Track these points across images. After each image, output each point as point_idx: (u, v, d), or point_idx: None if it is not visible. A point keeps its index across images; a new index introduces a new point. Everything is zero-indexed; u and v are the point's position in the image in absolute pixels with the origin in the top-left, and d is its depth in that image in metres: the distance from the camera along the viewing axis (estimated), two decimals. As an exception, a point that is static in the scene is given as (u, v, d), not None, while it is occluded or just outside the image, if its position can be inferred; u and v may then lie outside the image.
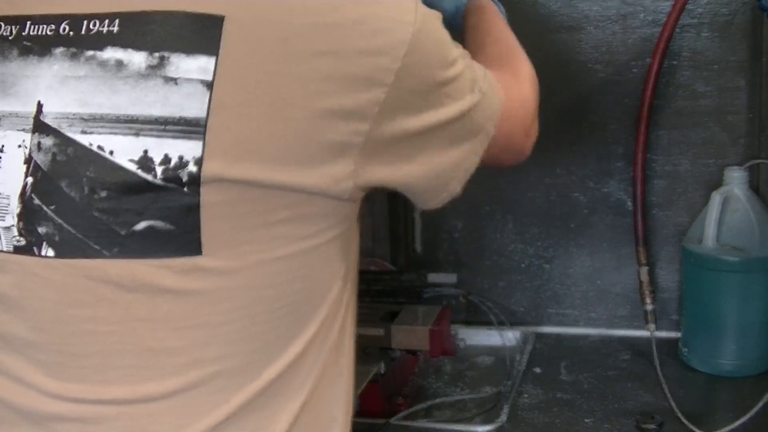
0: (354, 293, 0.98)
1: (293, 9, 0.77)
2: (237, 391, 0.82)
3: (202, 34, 0.76)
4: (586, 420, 1.45)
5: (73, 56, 0.78)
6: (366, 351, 1.47)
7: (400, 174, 0.87)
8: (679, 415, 1.42)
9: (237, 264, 0.78)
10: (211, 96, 0.75)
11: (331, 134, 0.78)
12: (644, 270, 1.62)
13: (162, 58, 0.76)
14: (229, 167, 0.75)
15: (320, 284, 0.86)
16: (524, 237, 1.80)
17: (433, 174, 0.90)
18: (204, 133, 0.75)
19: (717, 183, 1.60)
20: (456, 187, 0.93)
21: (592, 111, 1.72)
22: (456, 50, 0.88)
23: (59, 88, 0.78)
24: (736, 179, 1.56)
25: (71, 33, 0.79)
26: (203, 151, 0.75)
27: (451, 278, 1.70)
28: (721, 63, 1.64)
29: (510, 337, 1.70)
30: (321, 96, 0.77)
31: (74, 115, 0.77)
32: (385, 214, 1.73)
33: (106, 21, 0.78)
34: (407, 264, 1.77)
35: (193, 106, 0.75)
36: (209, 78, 0.75)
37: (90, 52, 0.78)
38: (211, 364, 0.81)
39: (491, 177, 1.79)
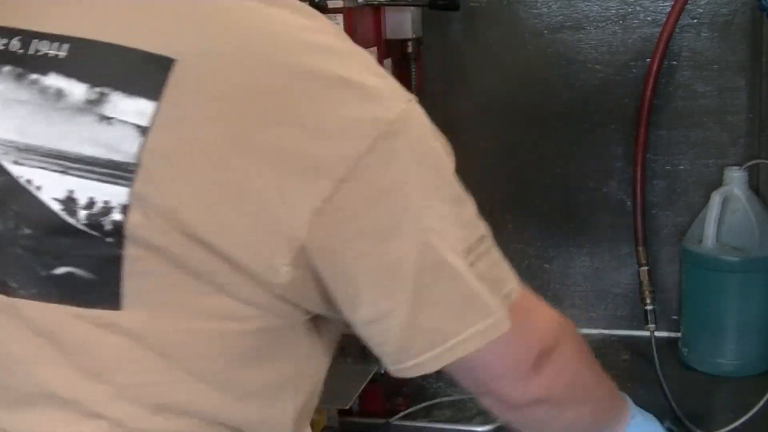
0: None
1: (261, 68, 0.71)
2: None
3: (147, 75, 0.70)
4: (586, 420, 1.44)
5: (19, 77, 0.73)
6: (365, 350, 1.47)
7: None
8: (679, 415, 1.42)
9: (153, 327, 0.73)
10: (144, 143, 0.69)
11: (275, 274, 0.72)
12: (644, 270, 1.62)
13: (101, 94, 0.71)
14: (155, 229, 0.70)
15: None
16: (524, 237, 1.80)
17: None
18: (132, 180, 0.70)
19: (717, 183, 1.60)
20: (430, 362, 0.85)
21: (592, 111, 1.72)
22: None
23: (2, 110, 0.73)
24: (736, 179, 1.56)
25: (20, 51, 0.73)
26: (130, 200, 0.70)
27: (451, 278, 1.70)
28: (721, 63, 1.64)
29: (510, 337, 1.69)
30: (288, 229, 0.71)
31: (11, 142, 0.72)
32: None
33: (56, 44, 0.73)
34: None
35: (123, 150, 0.70)
36: (145, 123, 0.69)
37: (34, 76, 0.73)
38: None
39: (491, 177, 1.79)
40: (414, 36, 1.58)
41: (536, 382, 0.84)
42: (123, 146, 0.70)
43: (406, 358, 0.81)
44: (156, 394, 0.75)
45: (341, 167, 0.70)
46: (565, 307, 1.80)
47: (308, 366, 0.86)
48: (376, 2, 1.49)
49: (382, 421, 1.42)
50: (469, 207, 0.81)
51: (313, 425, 1.36)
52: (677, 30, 1.60)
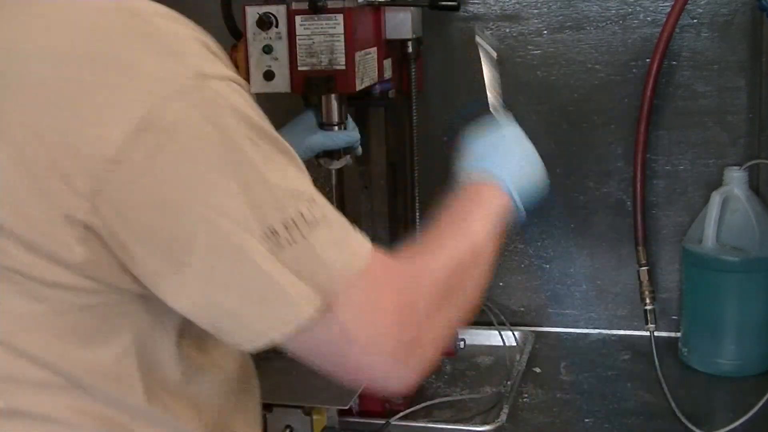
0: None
1: (35, 58, 0.75)
2: None
3: None
4: (586, 420, 1.45)
5: None
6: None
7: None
8: (679, 415, 1.42)
9: None
10: None
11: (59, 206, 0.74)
12: (644, 270, 1.62)
13: None
14: None
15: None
16: (524, 237, 1.80)
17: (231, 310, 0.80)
18: None
19: (717, 183, 1.60)
20: (256, 338, 0.81)
21: (592, 111, 1.72)
22: None
23: None
24: (736, 179, 1.56)
25: None
26: None
27: (451, 278, 1.70)
28: (721, 63, 1.64)
29: (510, 337, 1.69)
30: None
31: None
32: (385, 214, 1.73)
33: None
34: (407, 264, 1.77)
35: None
36: None
37: None
38: None
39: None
40: (414, 36, 1.58)
41: (410, 366, 0.85)
42: None
43: (223, 337, 0.80)
44: None
45: (114, 146, 0.72)
46: (565, 307, 1.80)
47: (155, 342, 0.85)
48: (376, 2, 1.49)
49: (382, 421, 1.42)
50: (273, 188, 0.77)
51: (313, 425, 1.37)
52: (677, 30, 1.60)
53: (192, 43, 0.78)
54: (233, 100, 0.77)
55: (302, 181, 0.82)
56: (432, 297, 0.89)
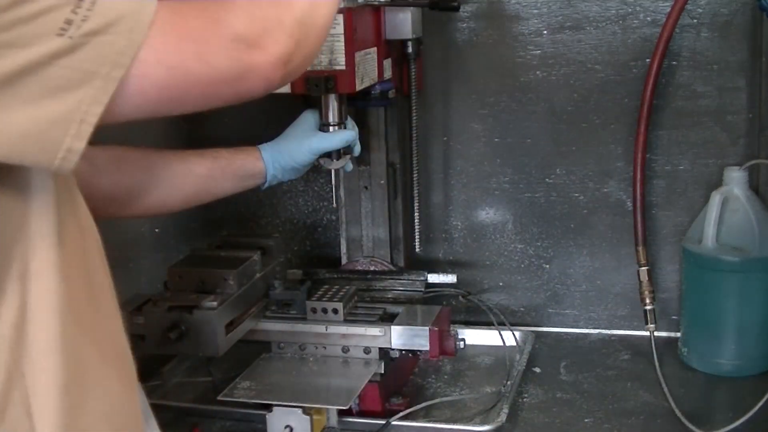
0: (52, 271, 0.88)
1: None
2: None
3: None
4: (586, 420, 1.45)
5: None
6: (365, 351, 1.47)
7: None
8: (679, 414, 1.42)
9: None
10: None
11: None
12: (644, 270, 1.62)
13: None
14: None
15: None
16: (524, 237, 1.80)
17: (17, 134, 0.79)
18: None
19: (717, 183, 1.60)
20: (75, 144, 0.80)
21: (592, 111, 1.72)
22: None
23: None
24: (735, 179, 1.56)
25: None
26: None
27: (451, 278, 1.70)
28: (721, 63, 1.64)
29: (510, 337, 1.69)
30: None
31: None
32: (385, 214, 1.74)
33: None
34: (407, 264, 1.78)
35: None
36: None
37: None
38: None
39: (491, 177, 1.79)
40: (414, 36, 1.58)
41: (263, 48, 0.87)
42: None
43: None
44: None
45: None
46: (565, 307, 1.80)
47: None
48: (376, 2, 1.49)
49: (382, 421, 1.42)
50: None
51: (313, 425, 1.37)
52: (677, 30, 1.60)
53: None
54: None
55: None
56: None
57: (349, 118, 1.49)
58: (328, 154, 1.45)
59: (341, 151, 1.46)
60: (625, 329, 1.76)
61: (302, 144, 1.42)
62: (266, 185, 1.45)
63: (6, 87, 0.77)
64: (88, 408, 0.90)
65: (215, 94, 0.88)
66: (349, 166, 1.52)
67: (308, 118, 1.45)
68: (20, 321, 0.86)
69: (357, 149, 1.50)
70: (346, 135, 1.45)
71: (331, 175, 1.54)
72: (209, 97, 0.88)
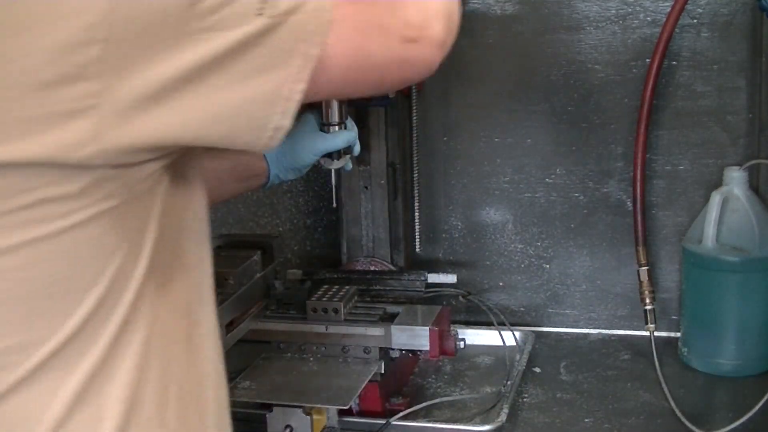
0: (167, 279, 0.91)
1: None
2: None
3: None
4: (586, 420, 1.45)
5: None
6: (365, 351, 1.47)
7: (175, 126, 0.80)
8: (679, 415, 1.42)
9: None
10: None
11: (53, 104, 0.75)
12: (644, 270, 1.62)
13: None
14: None
15: (84, 265, 0.81)
16: (524, 237, 1.80)
17: (229, 115, 0.82)
18: None
19: (717, 183, 1.60)
20: (282, 121, 0.83)
21: (592, 111, 1.72)
22: None
23: None
24: (735, 179, 1.56)
25: None
26: None
27: (451, 278, 1.70)
28: (721, 63, 1.64)
29: (510, 337, 1.69)
30: (29, 71, 0.74)
31: None
32: (385, 214, 1.74)
33: None
34: (407, 264, 1.78)
35: None
36: None
37: None
38: None
39: (491, 177, 1.79)
40: (414, 36, 1.57)
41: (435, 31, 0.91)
42: None
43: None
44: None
45: (99, 30, 0.74)
46: (565, 307, 1.80)
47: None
48: (376, 2, 1.49)
49: (382, 421, 1.42)
50: None
51: (313, 425, 1.37)
52: (677, 30, 1.60)
53: None
54: None
55: None
56: None
57: (348, 118, 1.49)
58: (328, 154, 1.45)
59: (341, 150, 1.46)
60: (625, 329, 1.76)
61: (305, 145, 1.43)
62: (268, 185, 1.45)
63: (216, 68, 0.79)
64: None
65: (387, 77, 0.92)
66: (349, 166, 1.52)
67: (309, 119, 1.45)
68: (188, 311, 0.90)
69: (357, 149, 1.50)
70: (348, 135, 1.45)
71: (331, 175, 1.54)
72: (382, 80, 0.92)
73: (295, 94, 0.82)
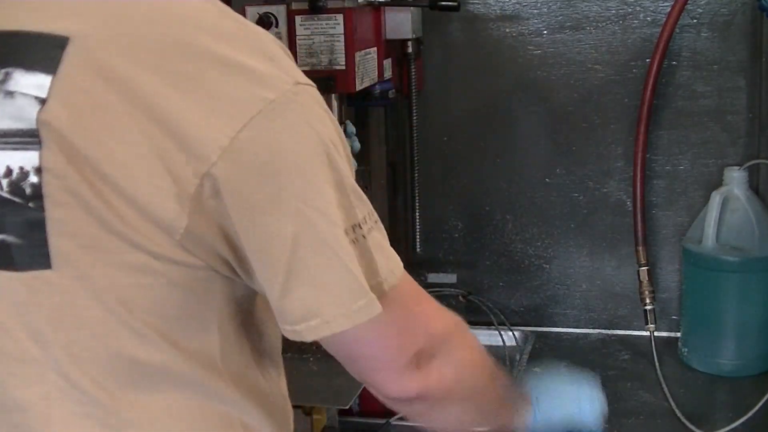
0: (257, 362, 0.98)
1: (154, 45, 0.77)
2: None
3: (44, 53, 0.77)
4: (586, 420, 1.44)
5: None
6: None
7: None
8: (679, 414, 1.42)
9: (85, 283, 0.78)
10: (41, 110, 0.76)
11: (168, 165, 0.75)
12: (644, 270, 1.62)
13: (6, 74, 0.78)
14: (68, 179, 0.76)
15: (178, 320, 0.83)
16: (524, 237, 1.80)
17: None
18: (40, 144, 0.76)
19: (717, 183, 1.60)
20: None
21: (592, 111, 1.72)
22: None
23: None
24: (735, 179, 1.56)
25: None
26: (40, 162, 0.76)
27: (451, 278, 1.70)
28: (721, 63, 1.64)
29: (510, 337, 1.69)
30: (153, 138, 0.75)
31: None
32: (385, 214, 1.74)
33: None
34: (407, 264, 1.77)
35: (26, 119, 0.76)
36: (43, 95, 0.76)
37: None
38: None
39: (491, 177, 1.79)
40: (414, 36, 1.58)
41: (414, 379, 0.87)
42: (25, 115, 0.76)
43: (285, 323, 0.84)
44: (99, 347, 0.80)
45: (219, 143, 0.74)
46: (565, 307, 1.80)
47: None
48: (376, 2, 1.49)
49: (382, 421, 1.41)
50: (349, 192, 0.81)
51: (313, 425, 1.37)
52: (677, 30, 1.60)
53: (276, 47, 0.81)
54: (322, 105, 0.81)
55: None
56: (452, 339, 0.95)
57: (347, 121, 1.49)
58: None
59: None
60: (625, 329, 1.76)
61: None
62: None
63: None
64: None
65: (375, 374, 0.91)
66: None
67: None
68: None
69: (356, 146, 1.51)
70: (349, 134, 1.46)
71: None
72: (367, 373, 0.92)
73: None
